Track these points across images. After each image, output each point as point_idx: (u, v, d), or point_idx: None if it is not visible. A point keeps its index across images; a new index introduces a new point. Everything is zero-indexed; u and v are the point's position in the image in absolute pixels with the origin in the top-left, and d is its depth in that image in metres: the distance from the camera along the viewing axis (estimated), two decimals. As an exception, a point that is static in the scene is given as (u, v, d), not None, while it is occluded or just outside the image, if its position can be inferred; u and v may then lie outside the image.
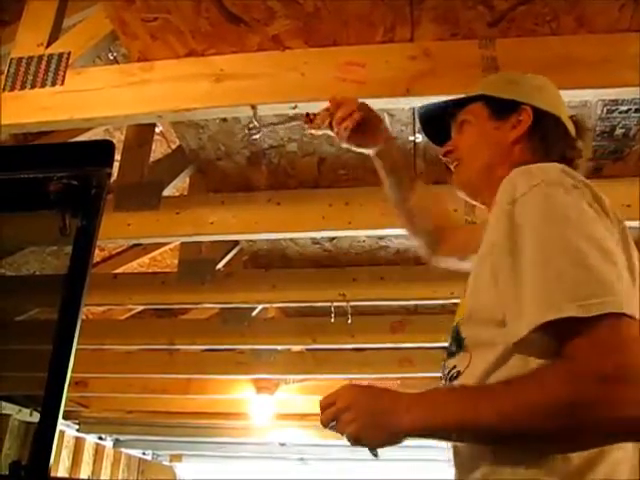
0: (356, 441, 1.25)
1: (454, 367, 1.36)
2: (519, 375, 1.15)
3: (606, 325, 1.04)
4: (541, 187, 1.21)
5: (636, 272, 1.20)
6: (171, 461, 10.00)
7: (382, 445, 1.24)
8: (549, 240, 1.15)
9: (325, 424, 1.31)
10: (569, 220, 1.16)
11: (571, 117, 1.63)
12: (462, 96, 1.70)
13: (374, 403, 1.26)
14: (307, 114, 1.94)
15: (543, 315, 1.08)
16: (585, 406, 1.03)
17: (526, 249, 1.16)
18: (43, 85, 2.65)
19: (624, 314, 1.05)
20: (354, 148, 1.99)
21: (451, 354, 1.39)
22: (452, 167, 1.71)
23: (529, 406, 1.08)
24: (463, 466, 1.31)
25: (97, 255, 5.45)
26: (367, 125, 1.90)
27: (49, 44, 2.74)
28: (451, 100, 1.72)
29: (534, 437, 1.11)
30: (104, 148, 1.50)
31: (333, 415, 1.29)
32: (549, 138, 1.55)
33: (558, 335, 1.10)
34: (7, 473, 1.28)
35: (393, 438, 1.22)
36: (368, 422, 1.24)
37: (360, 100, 1.92)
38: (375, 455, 1.26)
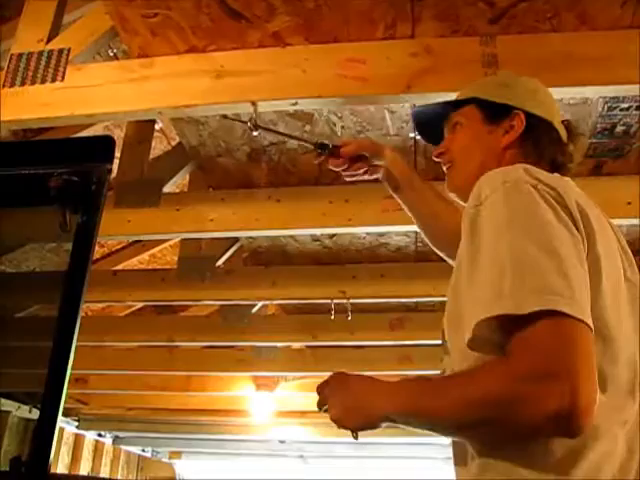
0: (338, 423, 1.36)
1: (444, 370, 1.42)
2: (462, 370, 1.22)
3: (543, 324, 1.06)
4: (500, 190, 1.22)
5: (603, 271, 1.20)
6: (170, 458, 10.02)
7: (361, 428, 1.34)
8: (498, 243, 1.16)
9: (319, 407, 1.43)
10: (520, 222, 1.17)
11: (563, 122, 1.64)
12: (455, 98, 1.72)
13: (355, 390, 1.34)
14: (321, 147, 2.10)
15: (479, 315, 1.11)
16: (510, 402, 1.06)
17: (479, 254, 1.19)
18: (43, 81, 2.64)
19: (565, 314, 1.05)
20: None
21: (444, 355, 1.43)
22: (445, 169, 1.73)
23: (461, 400, 1.14)
24: (457, 460, 1.34)
25: (97, 252, 5.46)
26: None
27: (49, 40, 2.74)
28: (445, 102, 1.75)
29: (467, 428, 1.17)
30: (104, 143, 1.50)
31: (323, 400, 1.41)
32: (541, 143, 1.55)
33: (503, 334, 1.11)
34: (7, 469, 1.28)
35: (369, 423, 1.33)
36: (349, 407, 1.34)
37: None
38: (355, 437, 1.39)
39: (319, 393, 1.42)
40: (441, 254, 2.04)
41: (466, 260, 1.22)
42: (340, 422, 1.36)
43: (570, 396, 1.01)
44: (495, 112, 1.60)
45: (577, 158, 1.62)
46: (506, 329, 1.10)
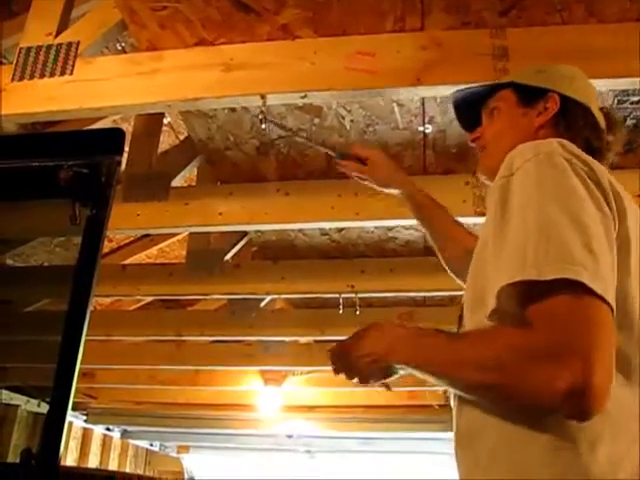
0: (361, 383, 1.41)
1: None
2: (480, 329, 1.24)
3: (563, 297, 1.06)
4: (532, 161, 1.22)
5: (632, 252, 1.19)
6: (178, 452, 10.04)
7: (382, 378, 1.39)
8: (527, 213, 1.16)
9: (336, 373, 1.46)
10: (551, 193, 1.16)
11: (602, 109, 1.64)
12: (493, 82, 1.75)
13: (363, 350, 1.36)
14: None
15: (501, 281, 1.12)
16: (521, 376, 1.07)
17: (508, 225, 1.18)
18: (52, 75, 2.64)
19: (587, 288, 1.05)
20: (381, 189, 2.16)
21: None
22: (479, 153, 1.74)
23: (473, 363, 1.15)
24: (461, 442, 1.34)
25: (105, 246, 5.46)
26: (379, 168, 2.11)
27: (58, 34, 2.74)
28: (483, 85, 1.76)
29: (476, 391, 1.19)
30: (114, 136, 1.49)
31: (339, 369, 1.44)
32: (575, 126, 1.55)
33: (524, 305, 1.11)
34: (18, 461, 1.28)
35: (387, 374, 1.36)
36: (364, 367, 1.37)
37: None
38: (387, 388, 1.48)
39: (332, 358, 1.46)
40: (456, 278, 2.03)
41: (493, 234, 1.22)
42: (361, 380, 1.41)
43: (583, 375, 1.00)
44: (530, 95, 1.62)
45: (617, 148, 1.62)
46: (527, 300, 1.10)
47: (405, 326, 1.36)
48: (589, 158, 1.24)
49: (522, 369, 1.07)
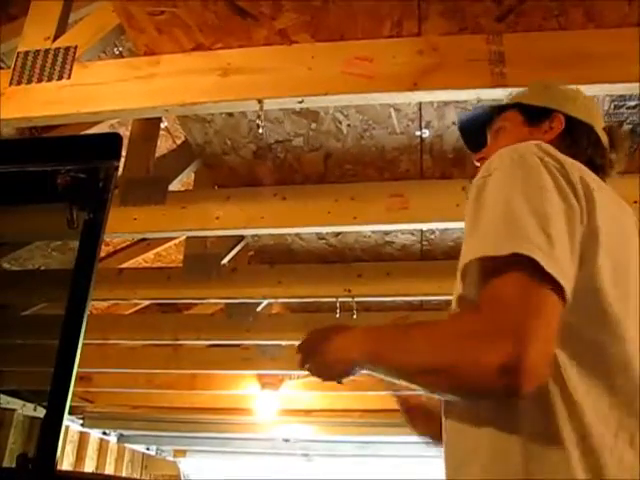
0: (321, 379, 1.46)
1: None
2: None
3: (513, 276, 1.08)
4: (508, 162, 1.26)
5: (601, 246, 1.20)
6: (175, 456, 10.02)
7: (340, 377, 1.41)
8: (494, 207, 1.19)
9: (301, 367, 1.49)
10: (519, 185, 1.20)
11: (605, 128, 1.66)
12: (498, 104, 1.78)
13: (332, 346, 1.40)
14: None
15: (465, 259, 1.17)
16: (455, 358, 1.11)
17: (479, 218, 1.21)
18: (50, 79, 2.65)
19: (538, 269, 1.06)
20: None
21: None
22: None
23: (415, 350, 1.20)
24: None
25: (102, 250, 5.45)
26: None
27: (56, 38, 2.74)
28: (488, 107, 1.79)
29: (418, 378, 1.20)
30: (111, 140, 1.49)
31: (304, 359, 1.49)
32: (579, 144, 1.58)
33: (479, 287, 1.15)
34: (14, 466, 1.28)
35: (347, 371, 1.37)
36: (328, 363, 1.41)
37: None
38: (339, 383, 1.46)
39: (300, 352, 1.51)
40: None
41: (467, 231, 1.24)
42: (322, 377, 1.46)
43: (514, 354, 1.01)
44: (536, 114, 1.65)
45: (620, 167, 1.65)
46: (482, 282, 1.13)
47: (358, 327, 1.40)
48: (562, 157, 1.27)
49: (457, 350, 1.10)
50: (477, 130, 1.80)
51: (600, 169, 1.55)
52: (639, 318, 1.22)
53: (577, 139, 1.59)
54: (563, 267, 1.10)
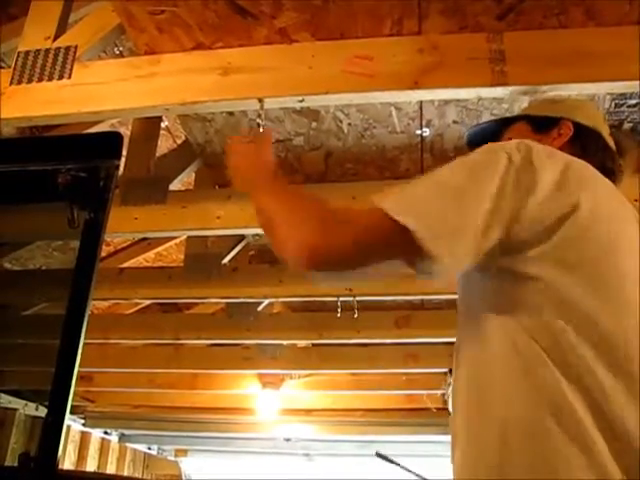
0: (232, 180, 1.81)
1: None
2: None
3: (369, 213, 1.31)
4: (480, 149, 1.36)
5: (590, 229, 1.24)
6: (176, 456, 10.01)
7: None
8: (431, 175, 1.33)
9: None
10: (457, 163, 1.32)
11: (612, 134, 1.71)
12: (507, 117, 1.85)
13: (250, 170, 1.75)
14: None
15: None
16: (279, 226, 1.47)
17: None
18: (50, 78, 2.65)
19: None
20: None
21: None
22: None
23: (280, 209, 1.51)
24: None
25: (103, 250, 5.44)
26: None
27: (56, 37, 2.74)
28: (496, 120, 1.86)
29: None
30: (112, 140, 1.50)
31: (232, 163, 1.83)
32: (589, 150, 1.63)
33: None
34: (16, 464, 1.28)
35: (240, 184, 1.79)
36: (243, 179, 1.78)
37: None
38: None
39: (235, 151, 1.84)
40: None
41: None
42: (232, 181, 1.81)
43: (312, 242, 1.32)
44: (544, 123, 1.70)
45: (628, 171, 1.69)
46: None
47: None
48: (539, 149, 1.31)
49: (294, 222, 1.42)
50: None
51: (611, 173, 1.59)
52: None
53: (586, 145, 1.63)
54: (426, 219, 1.21)
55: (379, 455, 2.31)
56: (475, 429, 1.21)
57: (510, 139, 1.71)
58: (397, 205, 1.26)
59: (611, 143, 1.67)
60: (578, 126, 1.66)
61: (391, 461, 3.00)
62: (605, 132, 1.68)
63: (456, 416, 1.30)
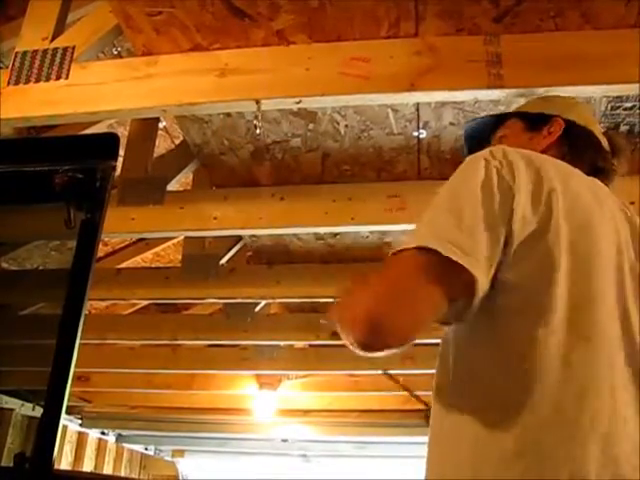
0: None
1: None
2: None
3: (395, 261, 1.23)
4: (463, 165, 1.35)
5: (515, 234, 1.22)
6: (173, 456, 10.01)
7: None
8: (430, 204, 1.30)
9: None
10: (451, 184, 1.31)
11: (605, 133, 1.72)
12: (500, 113, 1.89)
13: None
14: None
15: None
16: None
17: None
18: (48, 79, 2.65)
19: (423, 248, 1.17)
20: None
21: None
22: None
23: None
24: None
25: (100, 250, 5.45)
26: None
27: (54, 38, 2.75)
28: (491, 116, 1.89)
29: None
30: (109, 140, 1.50)
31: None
32: (579, 147, 1.65)
33: None
34: (12, 465, 1.28)
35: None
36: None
37: None
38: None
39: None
40: None
41: None
42: None
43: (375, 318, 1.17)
44: (536, 121, 1.72)
45: (621, 171, 1.69)
46: None
47: None
48: (516, 156, 1.31)
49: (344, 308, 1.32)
50: (482, 140, 1.84)
51: (603, 172, 1.60)
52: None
53: (576, 142, 1.64)
54: (464, 248, 1.16)
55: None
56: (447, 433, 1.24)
57: (503, 136, 1.76)
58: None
59: (604, 142, 1.68)
60: (569, 124, 1.67)
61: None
62: (597, 131, 1.69)
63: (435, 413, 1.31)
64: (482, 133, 1.86)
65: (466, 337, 1.28)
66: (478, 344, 1.25)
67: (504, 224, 1.21)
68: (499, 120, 1.82)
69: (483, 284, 1.16)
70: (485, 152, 1.33)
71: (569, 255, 1.22)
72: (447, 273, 1.15)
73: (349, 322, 1.23)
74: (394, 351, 1.17)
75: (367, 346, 1.18)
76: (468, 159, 1.34)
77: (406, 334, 1.18)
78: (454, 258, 1.13)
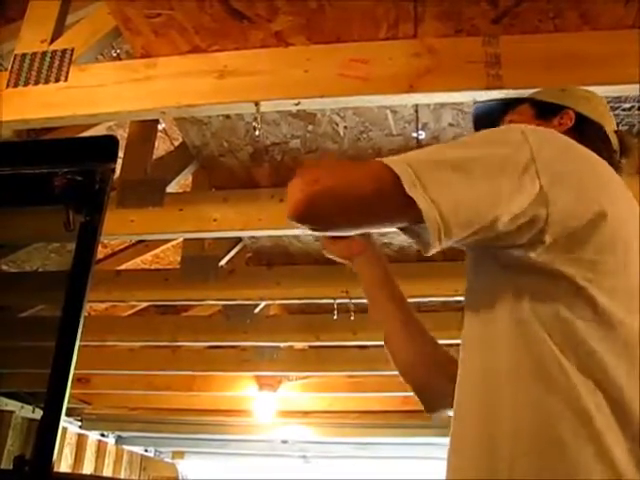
0: None
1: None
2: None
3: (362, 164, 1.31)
4: (501, 126, 1.44)
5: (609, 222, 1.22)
6: (173, 458, 10.01)
7: None
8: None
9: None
10: (480, 137, 1.35)
11: (617, 132, 1.69)
12: (513, 97, 1.86)
13: None
14: None
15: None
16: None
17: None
18: (47, 81, 2.65)
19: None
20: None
21: None
22: None
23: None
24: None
25: (100, 252, 5.45)
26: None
27: (53, 40, 2.75)
28: (502, 100, 1.86)
29: None
30: (108, 143, 1.50)
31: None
32: (587, 142, 1.59)
33: None
34: (11, 467, 1.28)
35: None
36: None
37: None
38: None
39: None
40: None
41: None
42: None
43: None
44: (547, 110, 1.69)
45: (629, 171, 1.68)
46: None
47: None
48: (550, 135, 1.35)
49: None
50: (491, 123, 1.80)
51: None
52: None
53: (586, 136, 1.59)
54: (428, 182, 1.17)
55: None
56: (478, 435, 1.19)
57: (512, 121, 1.72)
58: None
59: (613, 140, 1.65)
60: (581, 117, 1.65)
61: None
62: (609, 127, 1.66)
63: (459, 419, 1.27)
64: (490, 116, 1.83)
65: (584, 327, 1.18)
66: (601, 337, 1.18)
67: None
68: (510, 105, 1.79)
69: (434, 218, 1.15)
70: (525, 126, 1.33)
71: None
72: (396, 193, 1.18)
73: (296, 190, 1.31)
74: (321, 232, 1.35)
75: (298, 216, 1.31)
76: (507, 125, 1.40)
77: (332, 219, 1.31)
78: (403, 182, 1.17)
